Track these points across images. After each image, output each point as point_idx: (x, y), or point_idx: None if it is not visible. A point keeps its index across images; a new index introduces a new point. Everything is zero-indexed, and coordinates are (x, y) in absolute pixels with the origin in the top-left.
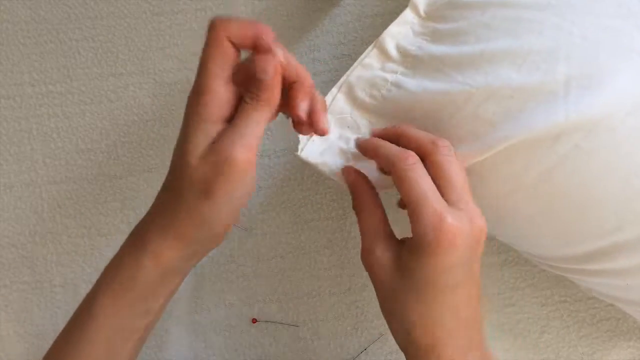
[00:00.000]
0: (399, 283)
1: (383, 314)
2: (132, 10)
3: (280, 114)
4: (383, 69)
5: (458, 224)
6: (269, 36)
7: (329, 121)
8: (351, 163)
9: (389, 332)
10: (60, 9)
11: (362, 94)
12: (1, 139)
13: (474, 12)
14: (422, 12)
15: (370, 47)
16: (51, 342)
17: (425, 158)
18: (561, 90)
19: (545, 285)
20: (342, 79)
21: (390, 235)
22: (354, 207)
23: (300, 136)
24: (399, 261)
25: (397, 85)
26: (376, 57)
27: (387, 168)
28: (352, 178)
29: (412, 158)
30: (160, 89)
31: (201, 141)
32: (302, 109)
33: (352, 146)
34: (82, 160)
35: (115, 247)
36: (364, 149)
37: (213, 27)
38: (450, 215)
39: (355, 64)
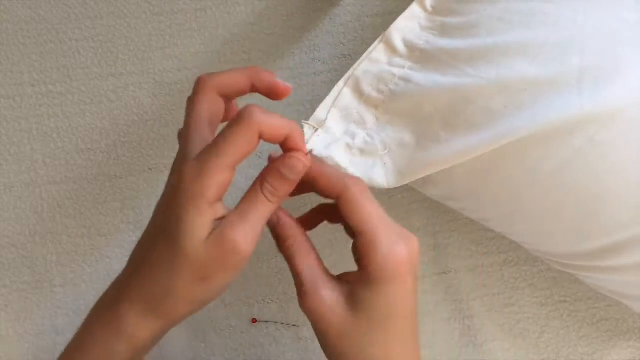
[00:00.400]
0: (352, 320)
1: None
2: (132, 10)
3: None
4: (390, 63)
5: (409, 247)
6: (301, 138)
7: (335, 115)
8: (357, 159)
9: None
10: (60, 9)
11: (368, 89)
12: (1, 139)
13: (485, 5)
14: (428, 7)
15: (377, 42)
16: (51, 342)
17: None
18: (575, 82)
19: (545, 285)
20: (348, 73)
21: (330, 274)
22: (283, 251)
23: (305, 129)
24: (350, 298)
25: (405, 79)
26: (383, 51)
27: (334, 196)
28: (278, 221)
29: (363, 184)
30: (160, 89)
31: (204, 225)
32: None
33: (357, 142)
34: (82, 160)
35: (115, 247)
36: (309, 174)
37: (248, 117)
38: (403, 243)
39: (362, 57)
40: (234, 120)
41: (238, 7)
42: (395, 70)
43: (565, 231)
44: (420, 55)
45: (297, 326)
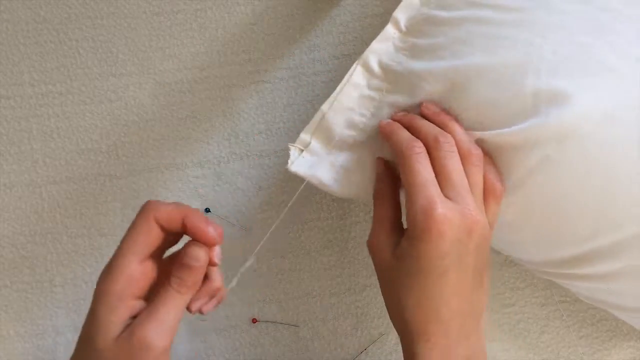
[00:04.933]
0: (395, 267)
1: (384, 298)
2: (132, 10)
3: None
4: (369, 86)
5: (448, 213)
6: (199, 219)
7: (319, 137)
8: (340, 176)
9: (389, 332)
10: (60, 9)
11: (350, 113)
12: (1, 139)
13: (451, 27)
14: (403, 27)
15: (355, 64)
16: (51, 341)
17: (428, 151)
18: (530, 103)
19: (545, 285)
20: (332, 96)
21: (398, 224)
22: (374, 195)
23: (291, 151)
24: (397, 246)
25: (383, 102)
26: (361, 74)
27: (395, 153)
28: (380, 168)
29: (418, 148)
30: (160, 89)
31: (114, 321)
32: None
33: (340, 160)
34: (82, 160)
35: (115, 247)
36: (382, 131)
37: (144, 208)
38: (441, 205)
39: (343, 81)
40: (136, 214)
41: (238, 7)
42: (374, 94)
43: (531, 242)
44: (393, 77)
45: (297, 326)
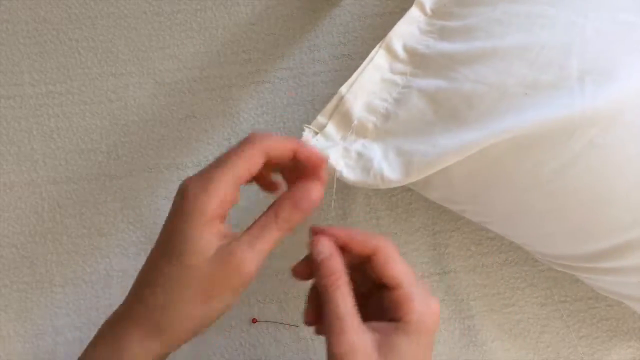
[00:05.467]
0: None
1: None
2: (132, 10)
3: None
4: (392, 69)
5: (436, 307)
6: (314, 151)
7: (336, 120)
8: (353, 162)
9: None
10: (60, 9)
11: (371, 97)
12: (1, 139)
13: (484, 8)
14: (428, 10)
15: (377, 47)
16: (51, 342)
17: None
18: (575, 86)
19: (545, 285)
20: (352, 78)
21: (359, 318)
22: (323, 285)
23: (305, 132)
24: (383, 345)
25: (407, 86)
26: (384, 57)
27: (364, 252)
28: (329, 254)
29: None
30: (160, 89)
31: (208, 241)
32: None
33: (355, 147)
34: (82, 160)
35: (115, 247)
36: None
37: (253, 137)
38: (433, 299)
39: (364, 63)
40: (240, 142)
41: (238, 7)
42: (397, 78)
43: (566, 233)
44: (420, 60)
45: (297, 326)
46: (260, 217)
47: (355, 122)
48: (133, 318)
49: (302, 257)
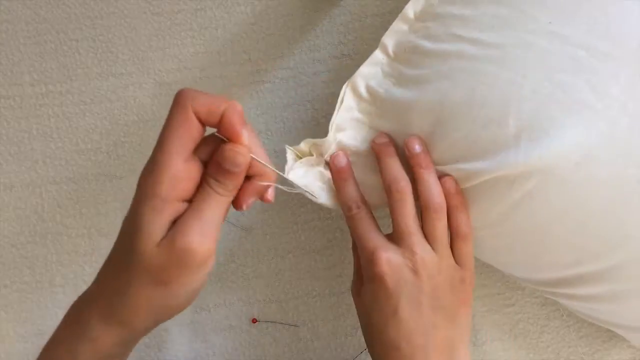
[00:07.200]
0: (360, 308)
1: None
2: (132, 10)
3: None
4: (359, 109)
5: (389, 256)
6: (238, 117)
7: (315, 148)
8: (327, 186)
9: None
10: (60, 9)
11: (344, 136)
12: (1, 139)
13: (435, 60)
14: (391, 53)
15: (344, 86)
16: None
17: (387, 194)
18: (512, 142)
19: None
20: (333, 118)
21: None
22: (353, 248)
23: (288, 155)
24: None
25: (373, 127)
26: (351, 97)
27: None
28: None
29: (355, 209)
30: (160, 89)
31: (157, 225)
32: (271, 194)
33: (329, 174)
34: (82, 160)
35: None
36: (334, 177)
37: (180, 99)
38: (382, 250)
39: (337, 104)
40: (171, 108)
41: (238, 7)
42: (364, 118)
43: (518, 264)
44: (381, 103)
45: (297, 326)
46: (198, 187)
47: (328, 158)
48: (94, 301)
49: (302, 256)
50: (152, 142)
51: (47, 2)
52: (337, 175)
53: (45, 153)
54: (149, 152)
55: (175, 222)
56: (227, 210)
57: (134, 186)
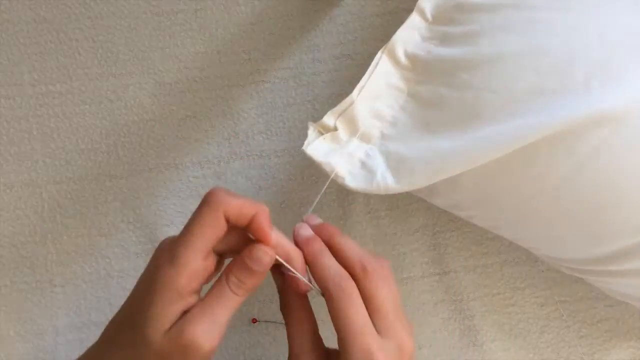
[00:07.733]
0: None
1: None
2: (132, 10)
3: None
4: (395, 75)
5: (386, 356)
6: (267, 221)
7: (342, 124)
8: (356, 169)
9: None
10: (60, 9)
11: (377, 104)
12: (1, 139)
13: (486, 14)
14: (429, 16)
15: (379, 52)
16: (51, 341)
17: (355, 280)
18: (582, 89)
19: (545, 285)
20: (360, 84)
21: (319, 345)
22: (282, 310)
23: (309, 130)
24: None
25: (412, 94)
26: (387, 63)
27: (321, 286)
28: (282, 281)
29: (350, 287)
30: (160, 89)
31: (168, 315)
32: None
33: (359, 154)
34: (82, 160)
35: (115, 247)
36: (305, 254)
37: (212, 200)
38: (379, 350)
39: (369, 70)
40: (200, 204)
41: (238, 7)
42: (402, 84)
43: (575, 237)
44: (423, 67)
45: None
46: (214, 284)
47: (362, 128)
48: None
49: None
50: (152, 142)
51: (47, 2)
52: (310, 248)
53: (45, 153)
54: (149, 152)
55: (186, 312)
56: (236, 311)
57: (134, 186)
